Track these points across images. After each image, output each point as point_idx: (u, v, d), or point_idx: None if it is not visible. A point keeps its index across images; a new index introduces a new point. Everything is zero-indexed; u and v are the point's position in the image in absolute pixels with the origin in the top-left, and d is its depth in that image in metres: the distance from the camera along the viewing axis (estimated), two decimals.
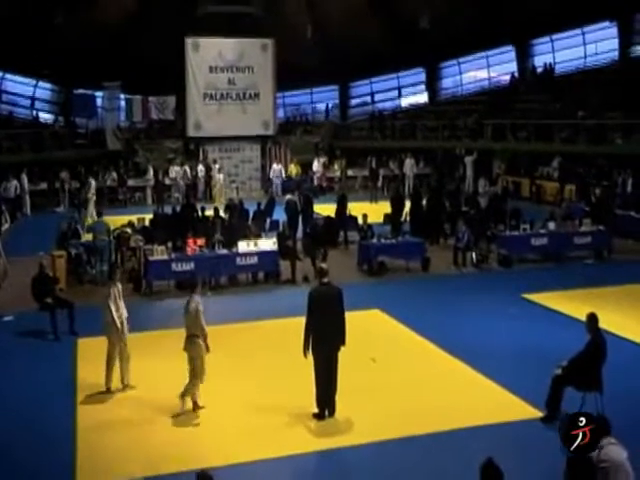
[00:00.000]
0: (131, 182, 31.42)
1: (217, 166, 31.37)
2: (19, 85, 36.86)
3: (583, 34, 35.86)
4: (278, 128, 35.39)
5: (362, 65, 37.60)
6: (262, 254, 17.05)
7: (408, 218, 21.75)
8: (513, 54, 38.76)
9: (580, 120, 30.35)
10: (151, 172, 30.70)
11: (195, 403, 10.09)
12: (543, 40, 37.68)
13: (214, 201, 27.63)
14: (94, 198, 26.57)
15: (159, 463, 8.62)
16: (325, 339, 9.61)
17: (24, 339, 13.29)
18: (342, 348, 9.73)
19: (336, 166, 34.52)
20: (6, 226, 24.16)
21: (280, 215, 21.72)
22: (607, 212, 20.96)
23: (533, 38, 37.97)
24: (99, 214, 18.90)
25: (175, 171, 31.16)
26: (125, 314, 11.10)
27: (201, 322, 9.98)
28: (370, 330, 13.24)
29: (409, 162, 32.42)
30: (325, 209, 23.40)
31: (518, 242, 18.97)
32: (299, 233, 20.28)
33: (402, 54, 36.96)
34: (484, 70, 39.97)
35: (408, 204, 22.37)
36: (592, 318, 9.40)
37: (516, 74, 38.38)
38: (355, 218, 21.24)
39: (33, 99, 37.29)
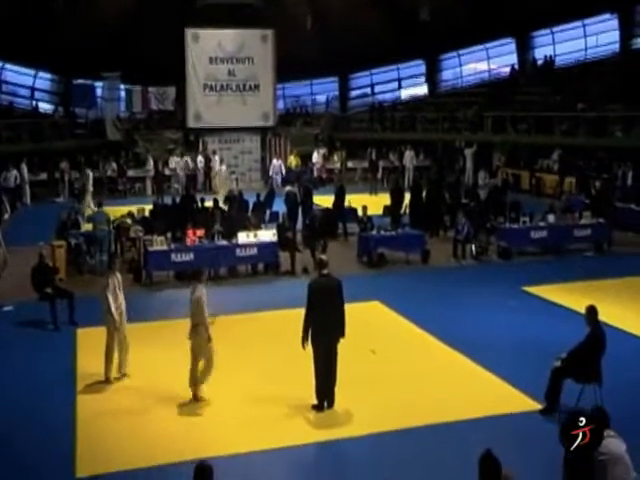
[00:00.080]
0: (131, 173, 31.42)
1: (217, 157, 31.33)
2: (19, 75, 36.75)
3: (584, 26, 35.76)
4: (278, 119, 35.32)
5: (362, 56, 37.49)
6: (262, 245, 17.06)
7: (408, 210, 21.75)
8: (513, 46, 38.67)
9: (580, 112, 30.31)
10: (151, 163, 30.66)
11: (195, 394, 10.11)
12: (543, 32, 37.58)
13: (216, 192, 27.61)
14: (91, 189, 26.54)
15: (158, 453, 8.64)
16: (325, 331, 9.61)
17: (24, 329, 13.31)
18: (341, 340, 9.74)
19: (336, 158, 34.47)
20: (6, 216, 24.16)
21: (280, 206, 21.70)
22: (607, 205, 20.95)
23: (533, 30, 37.86)
24: (99, 204, 18.90)
25: (175, 162, 31.16)
26: (124, 304, 11.12)
27: (203, 312, 9.99)
28: (369, 322, 13.25)
29: (409, 154, 32.40)
30: (325, 201, 23.39)
31: (518, 234, 18.97)
32: (299, 225, 20.27)
33: (402, 46, 36.87)
34: (484, 62, 39.88)
35: (408, 196, 22.37)
36: (591, 310, 9.41)
37: (516, 66, 38.32)
38: (355, 210, 21.24)
39: (33, 89, 37.19)
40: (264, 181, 32.34)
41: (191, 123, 33.27)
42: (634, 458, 6.36)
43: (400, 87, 42.01)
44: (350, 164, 34.70)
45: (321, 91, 42.28)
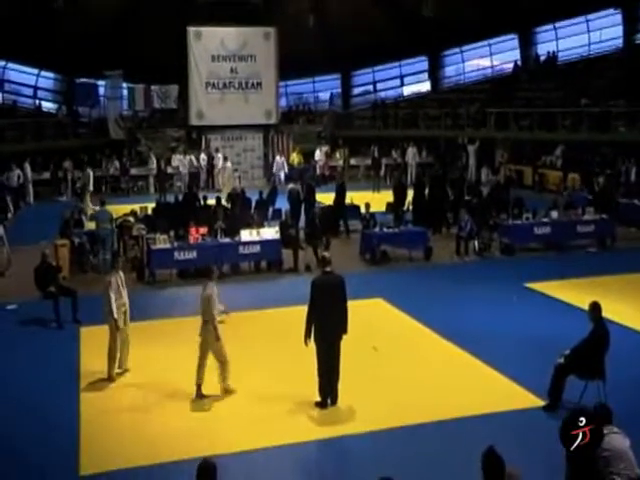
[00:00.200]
0: (134, 171, 31.47)
1: (220, 155, 31.36)
2: (22, 74, 36.79)
3: (587, 21, 35.70)
4: (280, 117, 35.30)
5: (364, 53, 37.46)
6: (264, 243, 17.07)
7: (410, 207, 21.73)
8: (516, 42, 38.60)
9: (584, 108, 30.22)
10: (154, 161, 30.69)
11: (199, 388, 10.12)
12: (546, 28, 37.52)
13: (220, 190, 27.62)
14: (91, 188, 26.55)
15: (162, 451, 8.65)
16: (327, 328, 9.61)
17: (27, 327, 13.34)
18: (344, 337, 9.73)
19: (338, 155, 34.47)
20: (9, 215, 24.20)
21: (283, 204, 21.70)
22: (610, 200, 20.91)
23: (536, 26, 37.81)
24: (102, 203, 18.92)
25: (178, 160, 31.17)
26: (128, 303, 11.14)
27: (212, 309, 10.02)
28: (372, 319, 13.25)
29: (411, 151, 32.40)
30: (327, 198, 23.38)
31: (521, 231, 18.95)
32: (301, 222, 20.27)
33: (404, 42, 36.88)
34: (487, 58, 39.81)
35: (410, 193, 22.35)
36: (595, 307, 9.39)
37: (519, 62, 38.25)
38: (357, 207, 21.24)
39: (36, 88, 37.24)
40: (267, 179, 32.36)
41: (194, 121, 33.28)
42: (638, 454, 6.36)
43: (402, 84, 41.97)
44: (353, 161, 34.71)
45: (323, 88, 42.25)
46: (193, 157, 31.60)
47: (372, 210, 19.82)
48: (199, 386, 10.11)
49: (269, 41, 33.60)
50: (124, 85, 34.92)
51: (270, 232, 17.43)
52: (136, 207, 20.11)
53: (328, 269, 9.84)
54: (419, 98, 40.67)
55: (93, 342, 11.90)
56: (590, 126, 29.48)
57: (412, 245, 18.40)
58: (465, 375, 10.89)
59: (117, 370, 10.96)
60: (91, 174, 26.97)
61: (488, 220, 19.35)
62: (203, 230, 16.98)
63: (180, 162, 31.09)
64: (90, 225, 18.94)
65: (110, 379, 10.79)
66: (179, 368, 10.84)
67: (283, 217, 18.94)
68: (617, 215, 20.14)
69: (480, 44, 39.13)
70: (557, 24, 36.72)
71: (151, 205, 21.14)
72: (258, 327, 13.19)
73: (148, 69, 32.36)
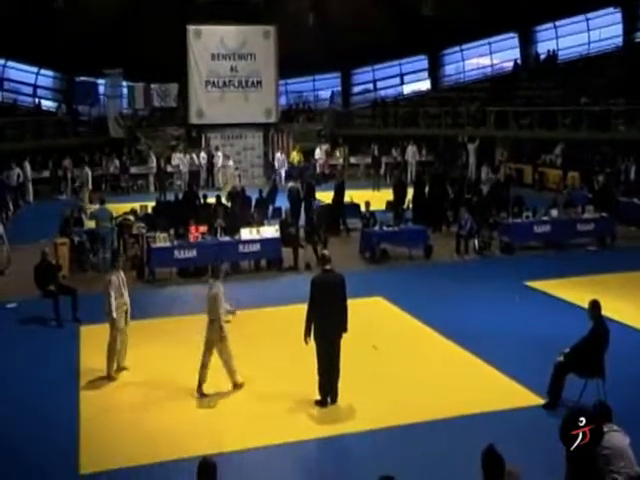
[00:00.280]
0: (133, 169, 31.46)
1: (220, 153, 31.36)
2: (22, 73, 36.76)
3: (587, 20, 35.67)
4: (280, 115, 35.29)
5: (364, 52, 37.45)
6: (264, 241, 17.07)
7: (410, 205, 21.73)
8: (516, 41, 38.58)
9: (583, 107, 30.22)
10: (153, 160, 30.67)
11: (200, 385, 10.13)
12: (546, 26, 37.49)
13: (222, 188, 27.63)
14: (90, 186, 26.54)
15: (162, 449, 8.65)
16: (327, 326, 9.61)
17: (27, 326, 13.35)
18: (344, 335, 9.73)
19: (338, 153, 34.46)
20: (9, 214, 24.20)
21: (283, 203, 21.70)
22: (610, 199, 20.91)
23: (536, 24, 37.77)
24: (102, 201, 18.91)
25: (178, 158, 31.17)
26: (129, 302, 11.15)
27: (218, 308, 10.03)
28: (372, 318, 13.26)
29: (411, 149, 32.40)
30: (327, 197, 23.37)
31: (521, 229, 18.95)
32: (301, 221, 20.26)
33: (404, 41, 36.83)
34: (487, 57, 39.80)
35: (411, 191, 22.35)
36: (595, 305, 9.39)
37: (519, 61, 38.22)
38: (357, 205, 21.23)
39: (35, 87, 37.22)
40: (267, 177, 32.36)
41: (193, 120, 33.29)
42: (637, 452, 6.36)
43: (402, 82, 41.94)
44: (353, 160, 34.73)
45: (323, 87, 42.23)
46: (194, 155, 31.60)
47: (372, 208, 19.80)
48: (200, 384, 10.12)
49: (269, 40, 33.58)
50: (124, 83, 34.92)
51: (270, 231, 17.43)
52: (136, 206, 20.09)
53: (328, 267, 9.84)
54: (419, 97, 40.67)
55: (93, 341, 11.90)
56: (590, 125, 29.47)
57: (412, 243, 18.39)
58: (465, 373, 10.89)
59: (114, 368, 10.97)
60: (89, 172, 26.96)
61: (488, 218, 19.35)
62: (203, 229, 16.98)
63: (180, 161, 31.09)
64: (90, 224, 18.93)
65: (110, 378, 10.80)
66: (179, 367, 10.85)
67: (283, 216, 18.93)
68: (617, 213, 20.13)
69: (480, 43, 39.11)
70: (557, 23, 36.70)
71: (151, 204, 21.13)
72: (258, 326, 13.18)
73: (148, 67, 32.34)
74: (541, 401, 9.62)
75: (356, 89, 43.00)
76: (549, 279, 15.81)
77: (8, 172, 26.89)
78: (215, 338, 10.06)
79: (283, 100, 38.69)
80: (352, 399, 9.84)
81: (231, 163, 30.53)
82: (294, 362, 10.85)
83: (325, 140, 35.36)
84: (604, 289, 13.82)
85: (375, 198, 22.23)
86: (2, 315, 13.89)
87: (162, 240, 16.43)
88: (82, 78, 36.43)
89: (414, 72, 41.75)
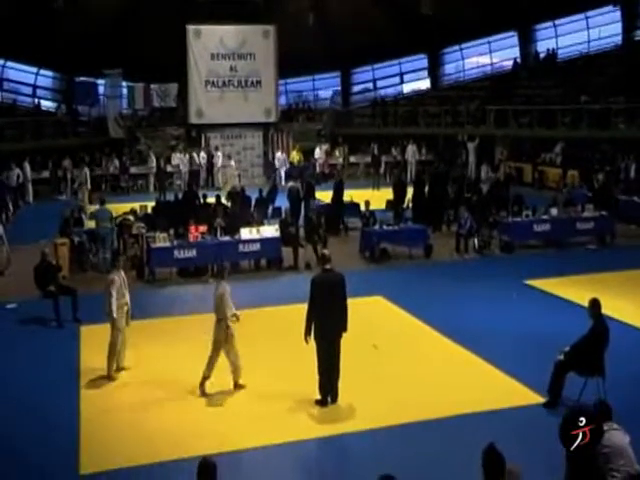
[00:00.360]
0: (133, 169, 31.45)
1: (220, 153, 31.36)
2: (21, 73, 36.75)
3: (586, 19, 35.66)
4: (280, 115, 35.27)
5: (364, 51, 37.44)
6: (264, 241, 17.07)
7: (410, 205, 21.72)
8: (516, 39, 38.58)
9: (583, 105, 30.20)
10: (153, 160, 30.66)
11: (203, 382, 10.13)
12: (546, 25, 37.48)
13: (222, 188, 27.63)
14: (89, 186, 26.54)
15: (162, 450, 8.65)
16: (327, 326, 9.60)
17: (27, 326, 13.34)
18: (344, 335, 9.73)
19: (338, 153, 34.45)
20: (9, 214, 24.20)
21: (282, 202, 21.69)
22: (610, 197, 20.92)
23: (536, 23, 37.76)
24: (102, 201, 18.91)
25: (178, 158, 31.16)
26: (129, 302, 11.15)
27: (225, 307, 10.03)
28: (372, 317, 13.26)
29: (411, 148, 32.39)
30: (327, 196, 23.36)
31: (520, 228, 18.95)
32: (301, 220, 20.25)
33: (404, 40, 36.85)
34: (487, 56, 39.78)
35: (410, 191, 22.34)
36: (595, 304, 9.39)
37: (519, 59, 38.22)
38: (357, 205, 21.23)
39: (35, 87, 37.21)
40: (266, 177, 32.36)
41: (193, 119, 33.26)
42: (637, 450, 6.36)
43: (402, 82, 41.91)
44: (352, 159, 34.71)
45: (323, 86, 42.23)
46: (195, 155, 31.61)
47: (372, 208, 19.80)
48: (204, 380, 10.11)
49: (268, 39, 33.55)
50: (124, 84, 34.90)
51: (270, 230, 17.43)
52: (136, 206, 20.09)
53: (328, 267, 9.84)
54: (419, 96, 40.66)
55: (93, 341, 11.91)
56: (590, 123, 29.46)
57: (412, 243, 18.39)
58: (465, 372, 10.89)
59: (114, 368, 10.97)
60: (87, 172, 26.94)
61: (488, 217, 19.35)
62: (203, 228, 16.98)
63: (180, 160, 31.08)
64: (90, 224, 18.94)
65: (110, 378, 10.80)
66: (179, 367, 10.86)
67: (283, 215, 18.93)
68: (616, 212, 20.14)
69: (480, 42, 39.10)
70: (556, 21, 36.69)
71: (151, 204, 21.13)
72: (258, 325, 13.15)
73: (148, 68, 32.32)
74: (541, 400, 9.63)
75: (356, 88, 42.99)
76: (549, 278, 15.82)
77: (8, 172, 26.87)
78: (222, 338, 10.07)
79: (283, 100, 38.68)
80: (352, 398, 9.84)
81: (233, 163, 30.50)
82: (294, 362, 10.85)
83: (325, 140, 35.34)
84: (604, 287, 13.82)
85: (375, 197, 22.25)
86: (2, 315, 13.89)
87: (162, 240, 16.43)
88: (82, 78, 36.42)
89: (414, 71, 41.74)
